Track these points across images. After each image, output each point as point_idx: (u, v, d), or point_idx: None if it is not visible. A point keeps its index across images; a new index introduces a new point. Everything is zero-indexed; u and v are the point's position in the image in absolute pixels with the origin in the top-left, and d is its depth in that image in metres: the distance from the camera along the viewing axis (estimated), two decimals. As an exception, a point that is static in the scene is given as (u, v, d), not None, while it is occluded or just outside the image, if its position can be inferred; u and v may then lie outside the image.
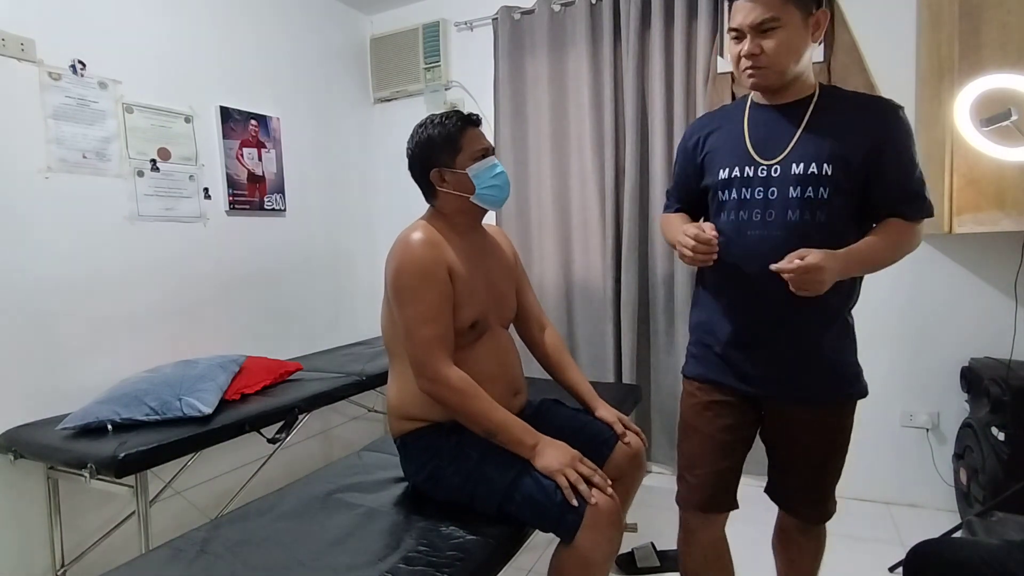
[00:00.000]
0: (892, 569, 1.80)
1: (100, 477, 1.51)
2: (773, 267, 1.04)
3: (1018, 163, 1.69)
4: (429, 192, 1.37)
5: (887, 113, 1.11)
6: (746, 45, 1.10)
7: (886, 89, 2.17)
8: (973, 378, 2.00)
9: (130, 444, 1.50)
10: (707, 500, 1.28)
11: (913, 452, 2.23)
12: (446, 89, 2.98)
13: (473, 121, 1.34)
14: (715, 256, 1.16)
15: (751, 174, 1.16)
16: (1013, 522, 1.43)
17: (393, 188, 3.11)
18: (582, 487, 1.16)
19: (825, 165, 1.09)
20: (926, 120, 2.04)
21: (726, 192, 1.20)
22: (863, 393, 1.21)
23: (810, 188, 1.11)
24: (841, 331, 1.19)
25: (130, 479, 1.53)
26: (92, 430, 1.61)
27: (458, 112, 1.35)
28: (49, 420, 1.71)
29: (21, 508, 1.74)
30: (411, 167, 1.36)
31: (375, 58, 3.11)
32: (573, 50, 2.62)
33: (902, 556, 1.13)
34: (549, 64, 2.66)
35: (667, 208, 1.42)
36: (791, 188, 1.12)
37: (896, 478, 2.26)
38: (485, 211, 1.39)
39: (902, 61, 2.16)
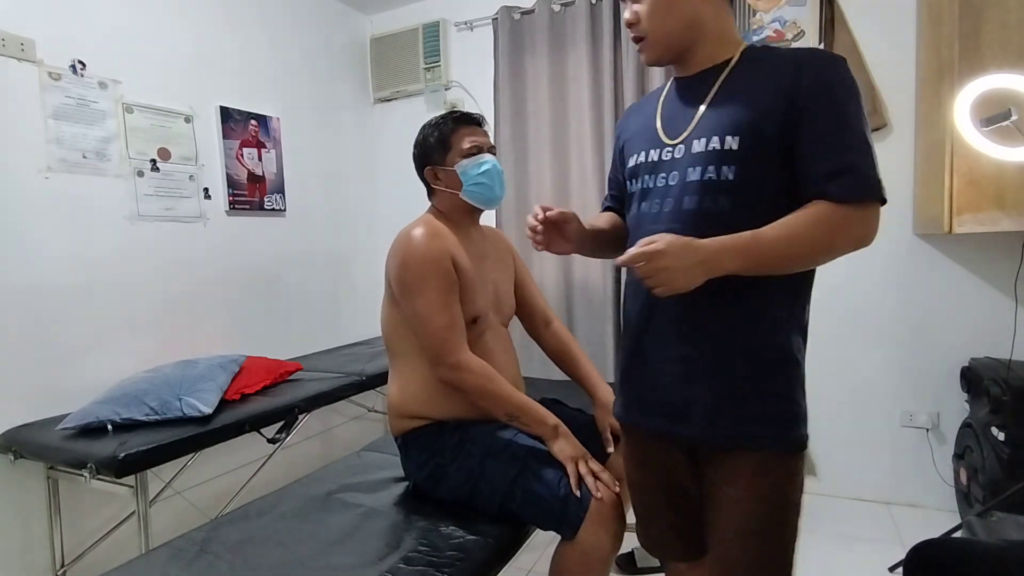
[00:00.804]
0: (892, 569, 1.80)
1: (100, 477, 1.51)
2: (616, 260, 0.86)
3: (1018, 163, 1.69)
4: (429, 191, 1.41)
5: (813, 65, 0.87)
6: (626, 12, 0.95)
7: (886, 89, 2.18)
8: (973, 378, 2.00)
9: (130, 444, 1.50)
10: (674, 552, 1.10)
11: (913, 452, 2.22)
12: (446, 89, 2.98)
13: (468, 119, 1.37)
14: (546, 244, 1.03)
15: (656, 158, 0.97)
16: (1013, 522, 1.43)
17: (393, 188, 3.11)
18: (589, 480, 1.17)
19: (729, 138, 0.88)
20: (926, 120, 2.04)
21: (633, 181, 1.02)
22: (794, 444, 0.92)
23: (711, 168, 0.89)
24: (770, 356, 0.91)
25: (130, 479, 1.53)
26: (92, 430, 1.61)
27: (454, 111, 1.39)
28: (49, 420, 1.71)
29: (21, 508, 1.74)
30: (415, 167, 1.41)
31: (375, 58, 3.11)
32: (573, 50, 2.62)
33: (902, 556, 1.13)
34: (549, 64, 2.66)
35: (601, 207, 1.26)
36: (690, 170, 0.91)
37: (896, 478, 2.26)
38: (480, 210, 1.40)
39: (902, 61, 2.16)
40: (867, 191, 0.84)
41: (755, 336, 0.91)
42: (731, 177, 0.88)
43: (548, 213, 1.02)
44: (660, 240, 0.83)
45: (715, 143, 0.89)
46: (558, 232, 1.05)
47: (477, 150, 1.34)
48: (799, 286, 0.93)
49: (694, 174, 0.91)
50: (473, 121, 1.37)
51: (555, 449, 1.22)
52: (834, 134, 0.84)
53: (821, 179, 0.84)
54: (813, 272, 0.95)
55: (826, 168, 0.84)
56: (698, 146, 0.91)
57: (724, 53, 0.94)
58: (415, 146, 1.40)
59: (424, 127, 1.39)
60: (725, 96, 0.92)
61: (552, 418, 1.25)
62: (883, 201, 0.85)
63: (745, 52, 0.94)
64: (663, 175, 0.96)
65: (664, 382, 0.96)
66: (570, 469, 1.19)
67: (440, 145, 1.35)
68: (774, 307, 0.91)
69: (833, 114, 0.85)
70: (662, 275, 0.83)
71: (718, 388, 0.92)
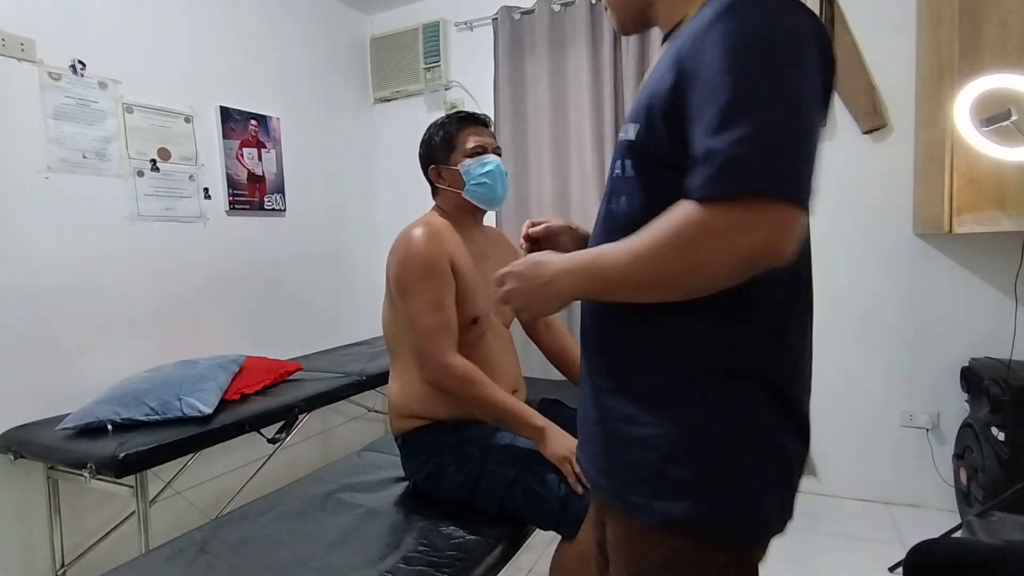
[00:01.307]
0: (892, 569, 1.80)
1: (100, 477, 1.51)
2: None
3: (1018, 163, 1.69)
4: (433, 189, 1.42)
5: (709, 12, 0.61)
6: None
7: (886, 89, 2.18)
8: (973, 378, 2.00)
9: (130, 444, 1.50)
10: None
11: (913, 452, 2.22)
12: (446, 89, 2.98)
13: (474, 119, 1.37)
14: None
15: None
16: (1013, 522, 1.43)
17: (393, 188, 3.12)
18: (584, 476, 1.17)
19: (632, 126, 0.69)
20: (926, 120, 2.04)
21: None
22: (667, 520, 0.67)
23: (619, 162, 0.72)
24: (664, 401, 0.69)
25: (130, 479, 1.53)
26: (92, 430, 1.61)
27: (461, 111, 1.40)
28: (49, 420, 1.71)
29: (21, 508, 1.74)
30: (420, 165, 1.42)
31: (375, 58, 3.11)
32: (573, 50, 2.62)
33: (902, 556, 1.13)
34: (549, 64, 2.66)
35: None
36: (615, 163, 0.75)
37: (896, 478, 2.26)
38: (483, 210, 1.41)
39: (902, 61, 2.16)
40: (736, 181, 0.55)
41: (650, 373, 0.70)
42: (631, 173, 0.70)
43: (531, 231, 0.94)
44: (527, 257, 0.76)
45: (624, 131, 0.72)
46: (553, 246, 0.98)
47: (482, 150, 1.34)
48: (739, 315, 0.66)
49: (611, 170, 0.76)
50: (479, 121, 1.38)
51: (546, 452, 1.22)
52: (706, 106, 0.58)
53: (690, 169, 0.59)
54: (768, 295, 0.66)
55: (693, 153, 0.59)
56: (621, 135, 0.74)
57: (680, 11, 0.72)
58: (421, 145, 1.41)
59: (430, 126, 1.40)
60: (653, 69, 0.72)
61: (539, 420, 1.24)
62: (785, 196, 0.55)
63: (705, 5, 0.65)
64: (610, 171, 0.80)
65: (582, 411, 0.82)
66: (564, 470, 1.19)
67: (445, 144, 1.36)
68: (691, 339, 0.67)
69: (710, 79, 0.58)
70: (512, 298, 0.75)
71: (602, 429, 0.75)
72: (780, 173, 0.55)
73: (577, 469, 1.18)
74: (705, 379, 0.67)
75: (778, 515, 0.68)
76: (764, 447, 0.67)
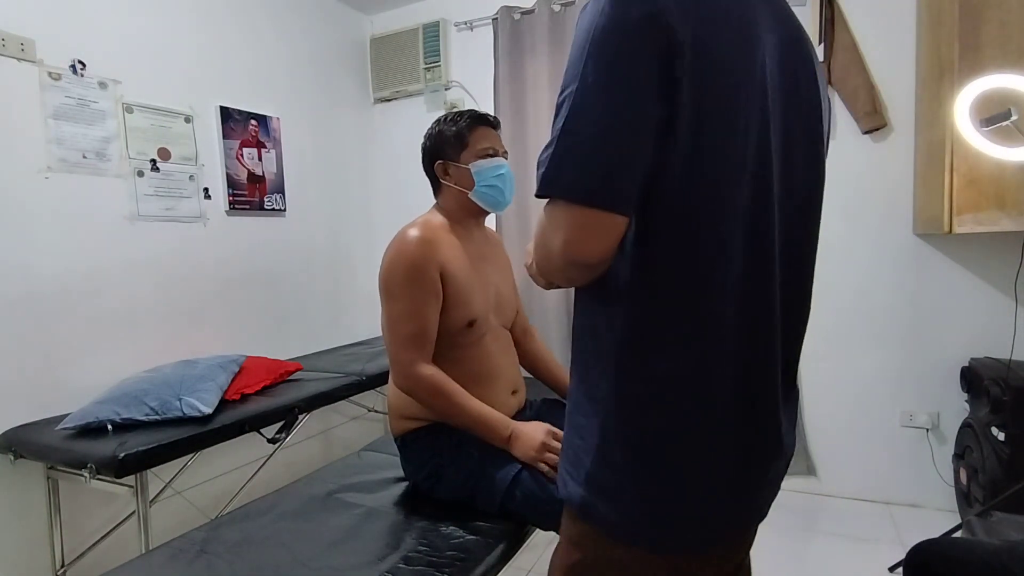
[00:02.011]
0: (892, 569, 1.80)
1: (100, 477, 1.51)
2: None
3: (1018, 163, 1.69)
4: (435, 186, 1.40)
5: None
6: None
7: (886, 89, 2.18)
8: (973, 378, 2.00)
9: (130, 444, 1.50)
10: None
11: (913, 452, 2.22)
12: (446, 89, 2.98)
13: (487, 121, 1.36)
14: None
15: None
16: (1013, 522, 1.43)
17: (393, 188, 3.12)
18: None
19: None
20: (926, 120, 2.04)
21: None
22: (577, 508, 0.69)
23: None
24: (587, 390, 0.69)
25: (130, 479, 1.53)
26: (92, 430, 1.61)
27: (474, 111, 1.38)
28: (49, 420, 1.71)
29: (21, 508, 1.74)
30: (422, 159, 1.39)
31: (375, 58, 3.11)
32: (573, 50, 2.62)
33: (902, 556, 1.13)
34: (549, 64, 2.66)
35: None
36: None
37: (896, 478, 2.26)
38: (486, 212, 1.40)
39: (902, 61, 2.16)
40: (539, 186, 0.61)
41: (578, 359, 0.72)
42: None
43: None
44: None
45: None
46: None
47: (493, 152, 1.33)
48: (600, 307, 0.67)
49: None
50: (492, 124, 1.36)
51: (516, 455, 1.22)
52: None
53: None
54: (619, 283, 0.63)
55: None
56: None
57: None
58: (427, 138, 1.37)
59: (440, 120, 1.37)
60: None
61: (504, 427, 1.24)
62: (573, 199, 0.58)
63: None
64: None
65: None
66: (541, 469, 1.18)
67: (457, 140, 1.33)
68: (585, 327, 0.70)
69: (564, 77, 0.61)
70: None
71: (568, 416, 0.76)
72: (566, 177, 0.58)
73: (553, 460, 1.18)
74: (603, 370, 0.66)
75: (689, 531, 0.65)
76: (649, 450, 0.64)
